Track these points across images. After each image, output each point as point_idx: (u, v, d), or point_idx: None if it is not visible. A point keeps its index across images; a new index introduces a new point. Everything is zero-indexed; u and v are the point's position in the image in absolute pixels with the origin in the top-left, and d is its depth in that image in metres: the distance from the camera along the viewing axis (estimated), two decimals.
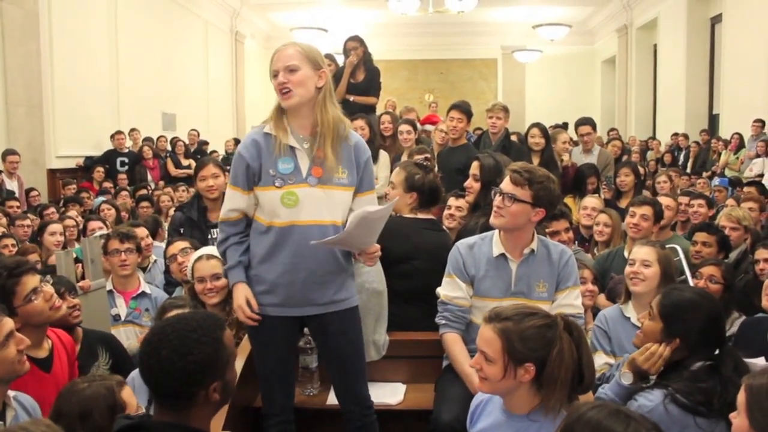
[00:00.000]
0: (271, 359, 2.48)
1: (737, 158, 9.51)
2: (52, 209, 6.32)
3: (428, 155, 5.06)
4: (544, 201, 2.52)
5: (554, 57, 16.34)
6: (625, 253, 3.58)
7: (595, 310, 3.23)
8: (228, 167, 3.34)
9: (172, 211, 5.87)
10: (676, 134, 11.88)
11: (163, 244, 4.27)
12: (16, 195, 7.36)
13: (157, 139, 10.67)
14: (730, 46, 10.68)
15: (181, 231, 3.74)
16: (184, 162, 10.39)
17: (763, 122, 9.27)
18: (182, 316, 1.71)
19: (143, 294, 3.45)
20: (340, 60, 6.33)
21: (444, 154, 5.22)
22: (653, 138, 13.14)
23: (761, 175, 8.35)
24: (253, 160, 2.37)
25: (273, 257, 2.38)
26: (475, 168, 3.46)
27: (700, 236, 3.87)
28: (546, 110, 14.39)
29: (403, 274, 3.11)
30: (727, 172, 9.38)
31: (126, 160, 9.63)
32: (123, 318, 3.38)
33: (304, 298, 2.40)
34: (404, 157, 5.17)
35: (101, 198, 7.50)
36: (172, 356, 1.55)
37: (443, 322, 2.65)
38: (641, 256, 2.83)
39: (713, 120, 11.84)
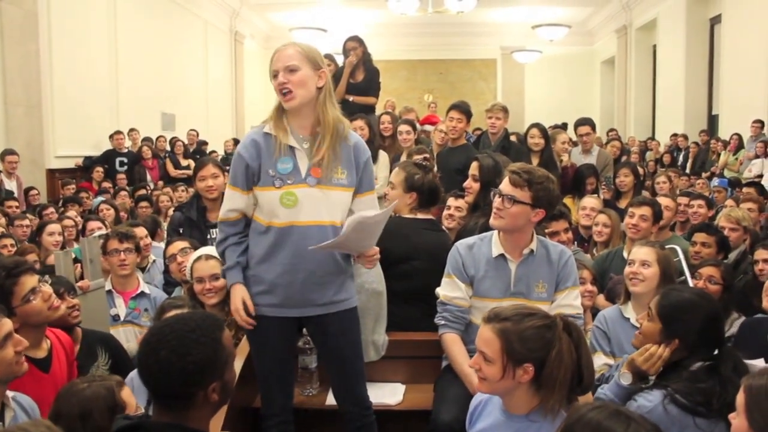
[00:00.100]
0: (270, 359, 2.48)
1: (736, 159, 9.51)
2: (51, 209, 6.31)
3: (427, 155, 5.06)
4: (543, 201, 2.52)
5: (553, 57, 16.35)
6: (625, 254, 3.58)
7: (594, 311, 3.23)
8: (227, 167, 3.34)
9: (171, 212, 5.87)
10: (675, 135, 11.89)
11: (162, 245, 4.27)
12: (15, 195, 7.36)
13: (157, 139, 10.67)
14: (730, 47, 10.69)
15: (181, 231, 3.74)
16: (184, 162, 10.38)
17: (762, 123, 9.28)
18: (181, 317, 1.71)
19: (142, 294, 3.45)
20: (340, 60, 6.33)
21: (443, 155, 5.22)
22: (652, 138, 13.14)
23: (760, 176, 8.35)
24: (252, 160, 2.36)
25: (272, 257, 2.38)
26: (474, 168, 3.46)
27: (699, 237, 3.87)
28: (545, 111, 14.39)
29: (403, 274, 3.11)
30: (727, 173, 9.38)
31: (125, 160, 9.62)
32: (122, 318, 3.37)
33: (303, 299, 2.40)
34: (403, 158, 5.17)
35: (100, 198, 7.49)
36: (170, 357, 1.55)
37: (442, 322, 2.65)
38: (640, 257, 2.83)
39: (712, 120, 11.85)
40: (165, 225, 5.21)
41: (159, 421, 1.62)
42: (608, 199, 5.53)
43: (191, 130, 11.72)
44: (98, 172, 9.15)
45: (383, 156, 5.34)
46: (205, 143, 11.85)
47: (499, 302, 2.41)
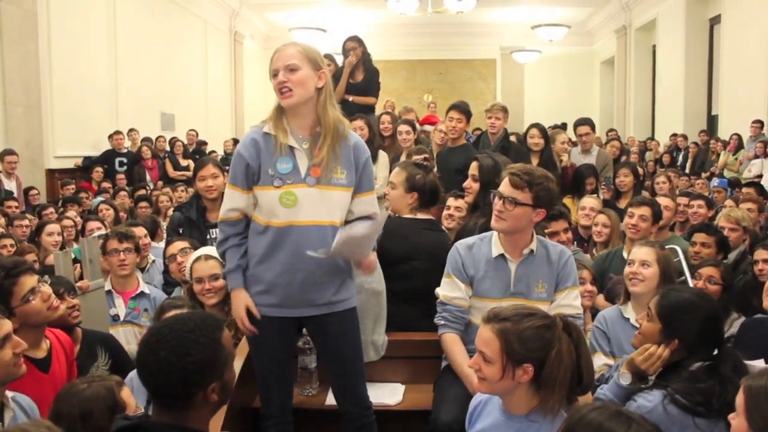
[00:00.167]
0: (270, 360, 2.48)
1: (736, 159, 9.51)
2: (51, 209, 6.31)
3: (427, 155, 5.06)
4: (544, 201, 2.52)
5: (553, 58, 16.35)
6: (624, 254, 3.58)
7: (593, 311, 3.23)
8: (227, 167, 3.34)
9: (170, 212, 5.87)
10: (674, 135, 11.89)
11: (162, 245, 4.26)
12: (15, 195, 7.35)
13: (156, 139, 10.66)
14: (729, 47, 10.69)
15: (180, 231, 3.74)
16: (183, 162, 10.38)
17: (761, 123, 9.28)
18: (180, 317, 1.70)
19: (142, 294, 3.45)
20: (339, 60, 6.33)
21: (443, 155, 5.22)
22: (652, 139, 13.14)
23: (760, 176, 8.35)
24: (252, 159, 2.36)
25: (271, 257, 2.38)
26: (474, 168, 3.46)
27: (699, 237, 3.87)
28: (545, 111, 14.39)
29: (402, 274, 3.11)
30: (726, 173, 9.38)
31: (125, 160, 9.62)
32: (122, 318, 3.37)
33: (303, 299, 2.39)
34: (403, 158, 5.17)
35: (100, 198, 7.49)
36: (170, 357, 1.55)
37: (442, 322, 2.65)
38: (640, 257, 2.83)
39: (712, 121, 11.85)
40: (164, 225, 5.21)
41: (158, 421, 1.62)
42: (608, 199, 5.53)
43: (191, 130, 11.71)
44: (98, 172, 9.15)
45: (383, 156, 5.34)
46: (205, 143, 11.84)
47: (499, 302, 2.41)
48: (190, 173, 8.99)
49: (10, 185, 7.58)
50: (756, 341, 2.66)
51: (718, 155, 10.06)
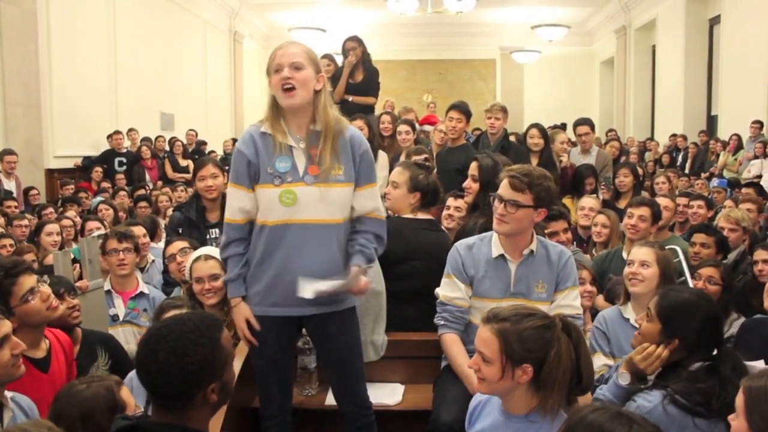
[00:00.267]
0: (269, 360, 2.48)
1: (736, 159, 9.51)
2: (51, 209, 6.31)
3: (426, 155, 5.06)
4: (545, 201, 2.53)
5: (553, 58, 16.35)
6: (624, 254, 3.58)
7: (593, 311, 3.23)
8: (227, 167, 3.33)
9: (169, 211, 5.86)
10: (674, 135, 11.89)
11: (161, 245, 4.26)
12: (14, 195, 7.35)
13: (156, 139, 10.66)
14: (729, 48, 10.70)
15: (180, 231, 3.73)
16: (183, 162, 10.37)
17: (761, 123, 9.28)
18: (180, 317, 1.70)
19: (141, 294, 3.44)
20: (339, 60, 6.32)
21: (443, 155, 5.22)
22: (651, 139, 13.14)
23: (759, 176, 8.35)
24: (252, 156, 2.37)
25: (269, 257, 2.38)
26: (473, 168, 3.46)
27: (698, 237, 3.87)
28: (544, 111, 14.39)
29: (402, 274, 3.11)
30: (726, 174, 9.39)
31: (124, 160, 9.62)
32: (121, 318, 3.37)
33: (302, 298, 2.39)
34: (402, 158, 5.17)
35: (99, 198, 7.48)
36: (169, 358, 1.55)
37: (442, 322, 2.65)
38: (640, 257, 2.82)
39: (711, 121, 11.86)
40: (164, 225, 5.21)
41: (158, 421, 1.62)
42: (607, 199, 5.53)
43: (190, 130, 11.70)
44: (97, 172, 9.14)
45: (383, 156, 5.34)
46: (204, 143, 11.84)
47: (499, 302, 2.40)
48: (189, 175, 8.99)
49: (9, 185, 7.58)
50: (756, 342, 2.66)
51: (718, 156, 10.06)
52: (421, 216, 3.25)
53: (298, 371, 2.93)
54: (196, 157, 10.08)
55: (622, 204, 5.17)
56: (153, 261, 4.27)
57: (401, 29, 15.36)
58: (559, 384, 1.85)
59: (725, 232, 4.10)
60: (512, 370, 1.86)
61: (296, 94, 2.30)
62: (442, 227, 3.60)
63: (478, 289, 2.61)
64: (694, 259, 3.72)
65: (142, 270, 4.04)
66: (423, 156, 4.96)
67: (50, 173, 8.89)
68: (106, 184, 8.81)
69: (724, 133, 10.41)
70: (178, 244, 3.45)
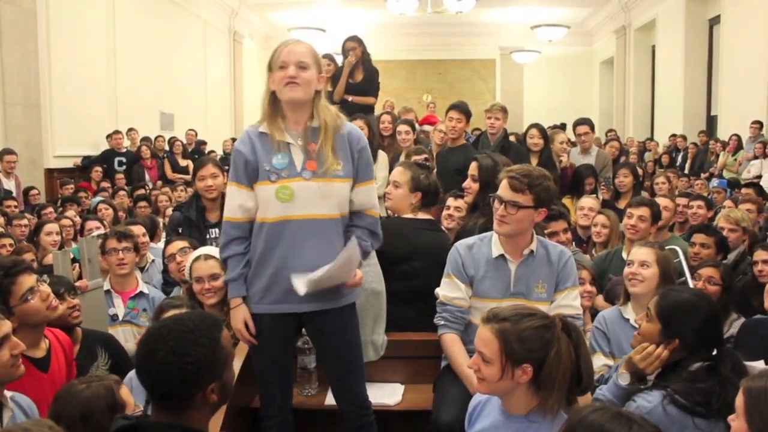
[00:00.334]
0: (269, 359, 2.48)
1: (735, 160, 9.51)
2: (50, 209, 6.31)
3: (426, 155, 5.06)
4: (545, 201, 2.53)
5: (552, 58, 16.35)
6: (624, 255, 3.58)
7: (593, 312, 3.23)
8: (227, 167, 3.33)
9: (169, 211, 5.86)
10: (674, 135, 11.89)
11: (161, 245, 4.26)
12: (14, 194, 7.34)
13: (155, 138, 10.65)
14: (728, 48, 10.70)
15: (180, 231, 3.73)
16: (182, 162, 10.36)
17: (761, 124, 9.28)
18: (179, 317, 1.70)
19: (141, 294, 3.44)
20: (339, 60, 6.32)
21: (443, 155, 5.22)
22: (651, 139, 13.14)
23: (759, 177, 8.36)
24: (249, 154, 2.38)
25: (269, 254, 2.38)
26: (473, 169, 3.46)
27: (698, 237, 3.87)
28: (544, 111, 14.39)
29: (402, 274, 3.11)
30: (725, 174, 9.39)
31: (124, 159, 9.61)
32: (121, 318, 3.36)
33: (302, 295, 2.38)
34: (402, 158, 5.17)
35: (99, 198, 7.48)
36: (168, 357, 1.55)
37: (442, 322, 2.65)
38: (640, 257, 2.82)
39: (711, 121, 11.86)
40: (162, 224, 5.21)
41: (158, 421, 1.62)
42: (607, 199, 5.53)
43: (190, 129, 11.70)
44: (97, 171, 9.14)
45: (382, 156, 5.34)
46: (204, 143, 11.84)
47: (499, 302, 2.41)
48: (188, 176, 8.99)
49: (9, 185, 7.57)
50: (756, 342, 2.66)
51: (718, 156, 10.06)
52: (421, 216, 3.25)
53: (297, 371, 2.93)
54: (196, 156, 10.08)
55: (621, 204, 5.17)
56: (153, 261, 4.27)
57: (401, 29, 15.36)
58: (558, 384, 1.85)
59: (725, 233, 4.10)
60: (512, 370, 1.86)
61: (298, 89, 2.32)
62: (442, 227, 3.60)
63: (478, 289, 2.61)
64: (694, 260, 3.72)
65: (142, 270, 4.04)
66: (423, 156, 4.95)
67: (50, 173, 8.89)
68: (105, 184, 8.81)
69: (723, 133, 10.41)
70: (178, 244, 3.44)
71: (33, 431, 1.46)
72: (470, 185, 3.47)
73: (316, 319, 2.46)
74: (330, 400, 2.71)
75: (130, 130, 10.24)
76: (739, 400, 1.67)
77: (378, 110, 6.79)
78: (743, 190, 6.73)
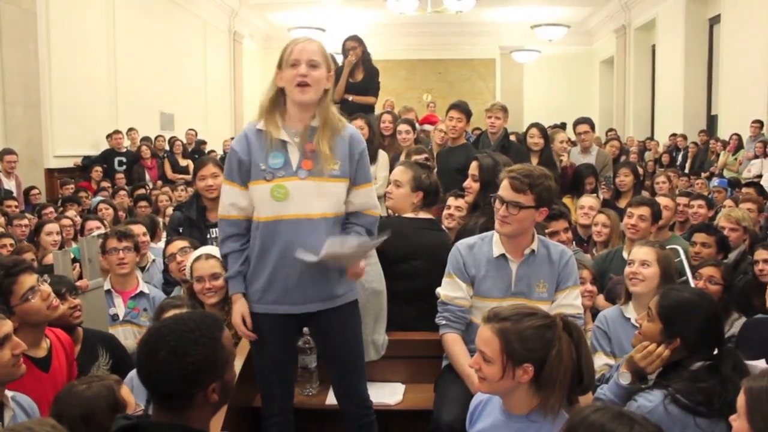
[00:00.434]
0: (270, 359, 2.47)
1: (736, 159, 9.51)
2: (51, 209, 6.30)
3: (426, 155, 5.06)
4: (546, 201, 2.53)
5: (552, 57, 16.35)
6: (624, 254, 3.57)
7: (593, 311, 3.23)
8: None
9: (169, 211, 5.86)
10: (674, 135, 11.89)
11: (161, 245, 4.26)
12: (14, 194, 7.34)
13: (155, 138, 10.65)
14: (729, 47, 10.69)
15: (180, 230, 3.73)
16: (182, 162, 10.36)
17: (761, 123, 9.28)
18: (180, 317, 1.70)
19: (141, 294, 3.44)
20: (339, 60, 6.32)
21: (443, 154, 5.22)
22: (651, 138, 13.15)
23: (759, 176, 8.35)
24: (243, 153, 2.38)
25: (266, 253, 2.38)
26: (474, 168, 3.46)
27: (699, 237, 3.87)
28: (544, 110, 14.39)
29: (403, 274, 3.11)
30: (726, 173, 9.38)
31: (124, 159, 9.61)
32: (121, 318, 3.36)
33: (302, 294, 2.38)
34: (402, 157, 5.17)
35: (99, 197, 7.48)
36: (169, 357, 1.55)
37: (443, 322, 2.65)
38: (640, 257, 2.82)
39: (712, 121, 11.86)
40: (162, 223, 5.20)
41: (158, 420, 1.61)
42: (608, 198, 5.53)
43: (190, 129, 11.70)
44: (97, 171, 9.14)
45: (383, 156, 5.34)
46: (204, 143, 11.84)
47: (500, 302, 2.40)
48: (188, 176, 8.99)
49: (9, 185, 7.57)
50: (757, 341, 2.66)
51: (718, 155, 10.06)
52: (422, 215, 3.25)
53: (298, 371, 2.93)
54: (196, 156, 10.08)
55: (622, 203, 5.17)
56: (153, 260, 4.26)
57: (401, 29, 15.36)
58: (560, 384, 1.85)
59: (726, 232, 4.09)
60: (513, 370, 1.86)
61: (310, 91, 2.31)
62: (443, 227, 3.60)
63: (479, 289, 2.61)
64: (695, 259, 3.71)
65: (142, 269, 4.04)
66: (423, 155, 4.95)
67: (50, 173, 8.89)
68: (105, 184, 8.80)
69: (724, 132, 10.41)
70: (179, 244, 3.44)
71: (36, 430, 1.46)
72: (471, 185, 3.47)
73: (317, 318, 2.46)
74: (331, 399, 2.71)
75: (130, 129, 10.24)
76: (741, 401, 1.67)
77: (378, 110, 6.78)
78: (744, 190, 6.73)
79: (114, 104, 10.39)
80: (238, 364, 2.50)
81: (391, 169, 4.32)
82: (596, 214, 4.35)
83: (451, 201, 3.80)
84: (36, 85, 8.47)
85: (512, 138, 6.04)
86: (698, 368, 2.10)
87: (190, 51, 13.24)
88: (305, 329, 2.79)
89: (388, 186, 3.45)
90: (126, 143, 9.94)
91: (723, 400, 1.97)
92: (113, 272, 3.46)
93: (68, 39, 9.14)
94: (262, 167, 2.35)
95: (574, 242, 4.16)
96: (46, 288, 2.41)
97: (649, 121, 14.58)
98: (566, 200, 5.31)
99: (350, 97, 5.97)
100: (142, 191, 7.87)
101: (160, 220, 5.64)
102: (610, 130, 12.32)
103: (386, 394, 2.92)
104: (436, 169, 4.24)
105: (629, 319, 2.77)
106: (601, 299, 3.39)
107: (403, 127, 5.85)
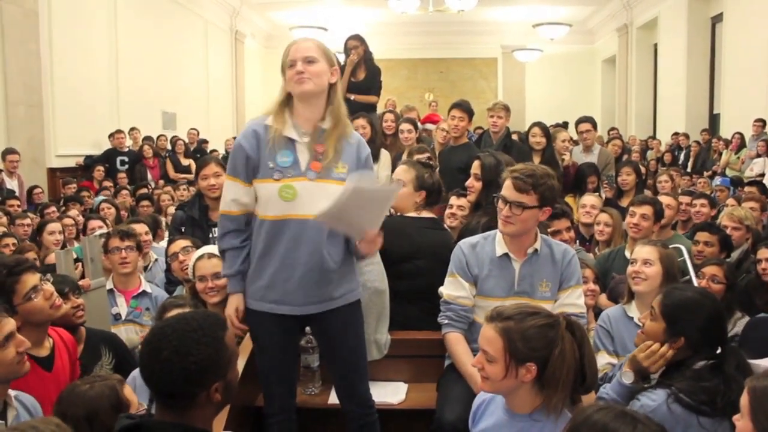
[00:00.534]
0: (273, 358, 2.47)
1: (738, 158, 9.49)
2: (53, 208, 6.32)
3: (429, 154, 5.06)
4: (549, 200, 2.53)
5: (554, 56, 16.34)
6: (627, 253, 3.57)
7: (596, 310, 3.22)
8: None
9: (171, 210, 5.86)
10: (676, 134, 11.87)
11: (163, 244, 4.26)
12: (17, 194, 7.35)
13: (157, 138, 10.66)
14: (731, 46, 10.67)
15: (182, 230, 3.73)
16: (184, 162, 10.36)
17: (763, 122, 9.26)
18: (183, 316, 1.70)
19: (144, 293, 3.44)
20: (341, 59, 6.32)
21: (445, 153, 5.21)
22: (653, 137, 13.13)
23: (762, 175, 8.34)
24: (252, 150, 2.36)
25: (270, 252, 2.37)
26: (476, 167, 3.46)
27: (701, 236, 3.87)
28: (546, 110, 14.39)
29: (405, 273, 3.11)
30: (728, 172, 9.37)
31: (126, 159, 9.63)
32: (124, 317, 3.36)
33: (303, 296, 2.38)
34: (404, 156, 5.17)
35: (101, 197, 7.49)
36: (172, 357, 1.55)
37: (446, 321, 2.65)
38: (643, 256, 2.82)
39: (714, 119, 11.84)
40: (164, 223, 5.21)
41: (161, 420, 1.61)
42: (610, 197, 5.52)
43: (192, 129, 11.71)
44: (99, 171, 9.15)
45: (385, 155, 5.34)
46: (206, 142, 11.86)
47: (503, 301, 2.41)
48: (190, 176, 9.00)
49: (11, 184, 7.59)
50: (760, 340, 2.66)
51: (720, 154, 10.04)
52: (424, 215, 3.25)
53: (300, 370, 2.93)
54: (198, 156, 10.10)
55: (624, 202, 5.16)
56: (156, 260, 4.27)
57: (403, 28, 15.36)
58: (562, 383, 1.84)
59: (728, 231, 4.09)
60: (516, 369, 1.85)
61: (308, 82, 2.31)
62: (445, 226, 3.60)
63: (482, 288, 2.61)
64: (698, 258, 3.71)
65: (145, 269, 4.04)
66: (425, 155, 4.95)
67: (52, 172, 8.91)
68: (108, 183, 8.81)
69: (726, 131, 10.39)
70: (181, 243, 3.45)
71: (41, 429, 1.46)
72: (473, 184, 3.46)
73: (320, 319, 2.45)
74: (333, 399, 2.71)
75: (132, 129, 10.26)
76: (744, 400, 1.66)
77: (380, 109, 6.78)
78: (746, 188, 6.72)
79: (116, 104, 10.40)
80: (240, 364, 2.50)
81: (393, 169, 4.32)
82: (598, 213, 4.35)
83: (454, 200, 3.79)
84: (38, 84, 8.49)
85: (514, 137, 6.03)
86: (701, 367, 2.10)
87: (192, 50, 13.25)
88: (307, 329, 2.79)
89: None
90: (128, 143, 9.95)
91: (726, 400, 1.97)
92: (115, 271, 3.46)
93: (70, 38, 9.15)
94: (270, 165, 2.34)
95: (576, 241, 4.16)
96: (48, 287, 2.41)
97: (651, 119, 14.56)
98: (568, 199, 5.30)
99: (352, 96, 5.97)
100: (144, 191, 7.88)
101: (163, 219, 5.65)
102: (612, 128, 12.31)
103: (389, 393, 2.93)
104: (438, 169, 4.24)
105: (632, 318, 2.76)
106: (603, 298, 3.38)
107: (405, 126, 5.85)
